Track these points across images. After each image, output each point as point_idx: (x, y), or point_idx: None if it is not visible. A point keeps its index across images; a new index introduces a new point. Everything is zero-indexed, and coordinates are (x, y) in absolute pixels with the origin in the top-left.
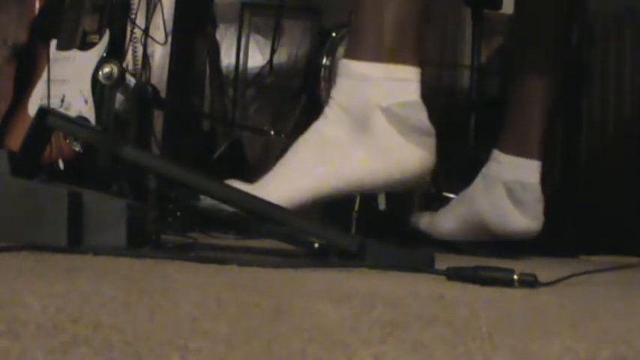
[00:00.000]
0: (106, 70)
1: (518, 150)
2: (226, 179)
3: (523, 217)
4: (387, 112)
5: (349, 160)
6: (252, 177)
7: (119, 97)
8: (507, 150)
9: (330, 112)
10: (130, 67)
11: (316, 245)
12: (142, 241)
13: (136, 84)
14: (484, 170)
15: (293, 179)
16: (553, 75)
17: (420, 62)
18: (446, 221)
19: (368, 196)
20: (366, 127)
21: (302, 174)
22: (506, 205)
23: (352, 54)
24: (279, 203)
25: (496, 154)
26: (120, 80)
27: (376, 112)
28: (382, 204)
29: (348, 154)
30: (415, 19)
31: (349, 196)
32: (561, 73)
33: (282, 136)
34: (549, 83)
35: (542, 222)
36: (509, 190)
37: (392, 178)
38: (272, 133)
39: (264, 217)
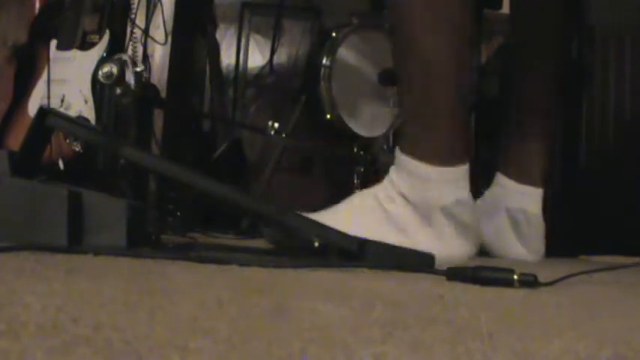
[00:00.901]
0: (106, 69)
1: (522, 177)
2: (226, 179)
3: (525, 251)
4: (446, 210)
5: (413, 242)
6: (252, 177)
7: (118, 96)
8: (511, 175)
9: (393, 194)
10: (131, 67)
11: (316, 244)
12: (142, 240)
13: (136, 83)
14: (487, 193)
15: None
16: (553, 97)
17: (469, 155)
18: None
19: None
20: (428, 221)
21: (373, 237)
22: (508, 235)
23: (409, 150)
24: None
25: (499, 177)
26: (119, 80)
27: (437, 210)
28: None
29: (412, 237)
30: (464, 115)
31: None
32: (561, 67)
33: (283, 135)
34: (550, 106)
35: (542, 255)
36: (512, 219)
37: (444, 263)
38: (272, 133)
39: (264, 217)
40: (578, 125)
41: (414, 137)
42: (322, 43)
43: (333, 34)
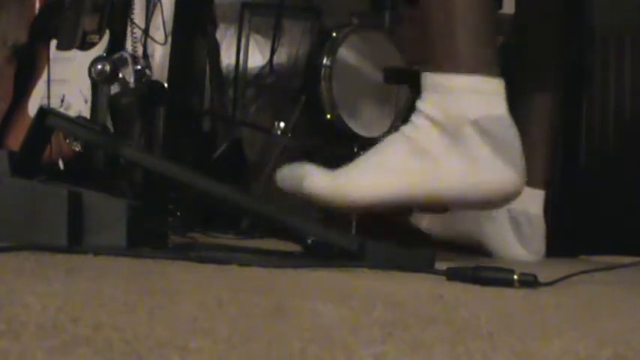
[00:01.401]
0: (99, 67)
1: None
2: (226, 179)
3: (525, 253)
4: (478, 126)
5: (442, 171)
6: (252, 177)
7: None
8: None
9: (419, 122)
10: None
11: (309, 241)
12: (146, 240)
13: (138, 82)
14: None
15: (382, 175)
16: (554, 97)
17: (500, 74)
18: (448, 227)
19: None
20: (459, 142)
21: (392, 172)
22: (509, 236)
23: (433, 67)
24: (365, 196)
25: None
26: (112, 77)
27: (466, 126)
28: None
29: (441, 165)
30: (490, 28)
31: (427, 208)
32: (561, 67)
33: (288, 134)
34: (551, 106)
35: (543, 256)
36: (513, 220)
37: (482, 198)
38: (279, 132)
39: (264, 216)
40: (578, 125)
41: (435, 54)
42: (322, 43)
43: (334, 34)
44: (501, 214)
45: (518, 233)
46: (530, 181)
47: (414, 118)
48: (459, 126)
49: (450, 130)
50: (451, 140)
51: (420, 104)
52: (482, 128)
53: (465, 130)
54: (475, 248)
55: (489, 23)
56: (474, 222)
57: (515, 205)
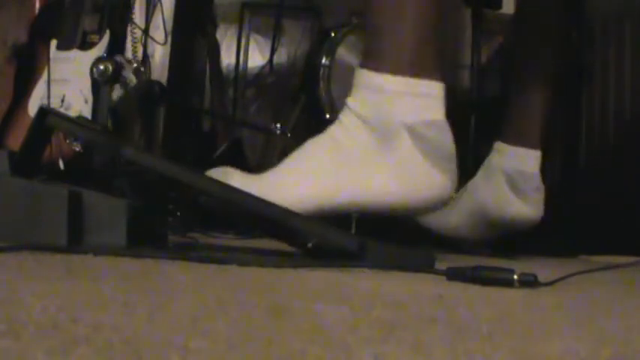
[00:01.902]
0: (101, 67)
1: (519, 140)
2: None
3: (523, 205)
4: (413, 131)
5: (368, 178)
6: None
7: (117, 94)
8: (508, 140)
9: (348, 121)
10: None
11: (309, 245)
12: (148, 239)
13: (139, 82)
14: (486, 161)
15: (305, 184)
16: (553, 67)
17: (443, 78)
18: (449, 216)
19: None
20: (389, 145)
21: (315, 180)
22: (506, 194)
23: (370, 64)
24: (290, 207)
25: (497, 144)
26: (114, 78)
27: (401, 131)
28: None
29: (367, 170)
30: (435, 29)
31: (357, 213)
32: (561, 67)
33: (288, 134)
34: (549, 76)
35: (542, 210)
36: (509, 179)
37: (410, 204)
38: (278, 132)
39: (264, 216)
40: (578, 125)
41: (373, 51)
42: (321, 43)
43: (332, 34)
44: (497, 175)
45: (514, 190)
46: (526, 142)
47: (343, 116)
48: (391, 129)
49: (380, 133)
50: (380, 143)
51: (350, 102)
52: (415, 133)
53: (396, 134)
54: (481, 227)
55: (437, 23)
56: (472, 193)
57: (511, 165)
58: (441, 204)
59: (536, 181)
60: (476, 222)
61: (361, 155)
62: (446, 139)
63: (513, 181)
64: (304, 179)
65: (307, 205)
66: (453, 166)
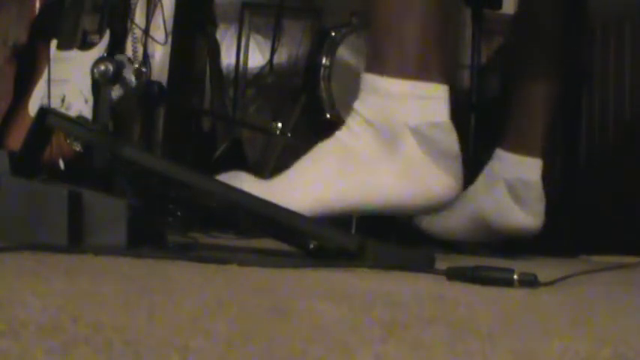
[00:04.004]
0: (102, 67)
1: (520, 148)
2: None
3: (524, 215)
4: (417, 133)
5: (375, 179)
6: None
7: (117, 94)
8: (509, 148)
9: (355, 125)
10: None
11: (311, 246)
12: (147, 239)
13: (139, 82)
14: (486, 168)
15: (315, 188)
16: (555, 73)
17: (448, 80)
18: (448, 220)
19: None
20: (395, 147)
21: (325, 184)
22: (507, 203)
23: (375, 68)
24: (300, 211)
25: (498, 152)
26: (115, 78)
27: (405, 133)
28: None
29: (374, 172)
30: (439, 31)
31: (365, 215)
32: (562, 71)
33: (288, 134)
34: (551, 81)
35: (543, 220)
36: (510, 187)
37: (416, 204)
38: (278, 132)
39: (264, 216)
40: (578, 125)
41: (378, 55)
42: (321, 42)
43: (332, 34)
44: (498, 183)
45: (515, 198)
46: (528, 150)
47: (351, 121)
48: (397, 132)
49: (386, 135)
50: (387, 146)
51: (358, 105)
52: (421, 135)
53: (402, 137)
54: (480, 233)
55: (441, 25)
56: (472, 201)
57: (512, 173)
58: (448, 203)
59: (538, 190)
60: (476, 228)
61: (369, 158)
62: (451, 140)
63: (515, 189)
64: (314, 183)
65: (318, 209)
66: (458, 166)
